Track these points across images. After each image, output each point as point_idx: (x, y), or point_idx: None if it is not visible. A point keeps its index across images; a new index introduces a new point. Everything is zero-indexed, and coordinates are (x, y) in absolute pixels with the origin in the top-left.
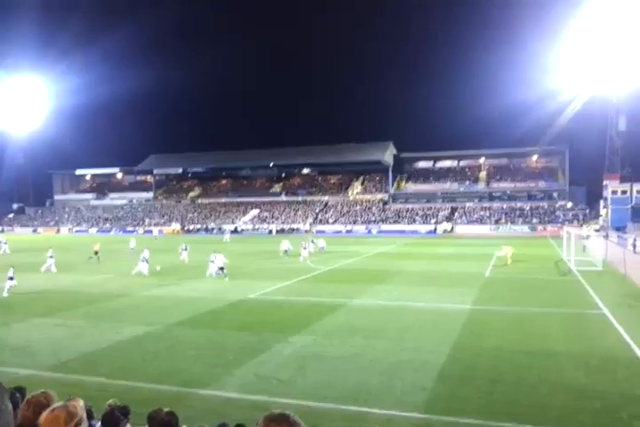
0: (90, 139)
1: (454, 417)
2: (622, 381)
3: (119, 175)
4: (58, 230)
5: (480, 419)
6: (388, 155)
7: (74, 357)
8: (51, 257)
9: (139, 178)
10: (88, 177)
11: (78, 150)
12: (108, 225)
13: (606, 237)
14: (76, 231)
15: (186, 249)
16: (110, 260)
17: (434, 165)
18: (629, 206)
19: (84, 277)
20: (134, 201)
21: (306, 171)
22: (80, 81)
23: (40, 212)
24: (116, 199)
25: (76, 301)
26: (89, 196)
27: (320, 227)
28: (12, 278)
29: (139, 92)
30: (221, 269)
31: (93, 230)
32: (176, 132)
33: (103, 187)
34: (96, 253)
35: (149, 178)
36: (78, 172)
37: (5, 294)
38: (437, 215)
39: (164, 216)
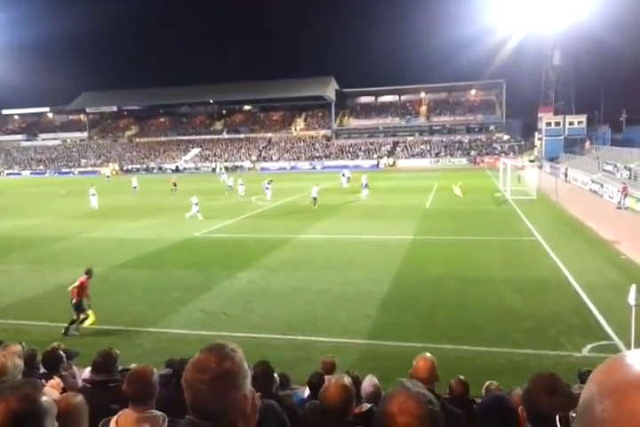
0: (17, 77)
1: (397, 342)
2: (552, 302)
3: (50, 115)
4: None
5: (422, 342)
6: (330, 90)
7: (14, 302)
8: (93, 195)
9: (71, 117)
10: (16, 117)
11: (4, 90)
12: (42, 167)
13: (540, 167)
14: (8, 174)
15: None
16: (46, 202)
17: (376, 100)
18: (562, 138)
19: (20, 222)
20: (68, 141)
21: (247, 107)
22: (5, 18)
23: None
24: (48, 140)
25: (11, 246)
26: (18, 137)
27: (264, 164)
28: None
29: (68, 27)
30: (315, 199)
31: (27, 173)
32: (109, 69)
33: (33, 127)
34: (175, 184)
35: (83, 117)
36: (5, 111)
37: None
38: (380, 150)
39: (100, 157)
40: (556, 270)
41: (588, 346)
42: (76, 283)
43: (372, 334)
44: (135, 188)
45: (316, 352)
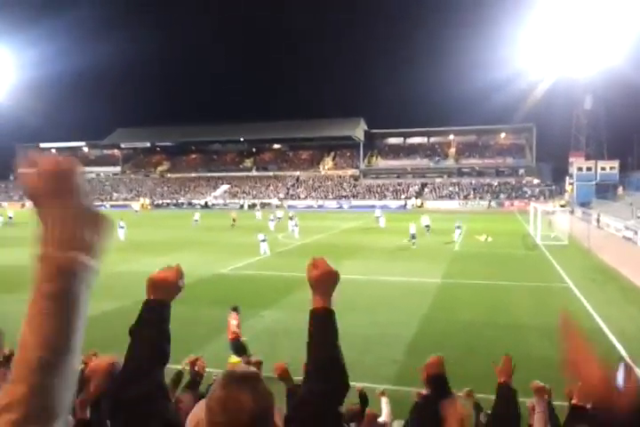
0: (55, 112)
1: (423, 388)
2: None
3: (85, 149)
4: (23, 205)
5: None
6: (359, 130)
7: None
8: (121, 227)
9: (105, 152)
10: (53, 151)
11: (43, 124)
12: None
13: (572, 212)
14: None
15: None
16: None
17: (404, 141)
18: (594, 183)
19: None
20: (101, 175)
21: (277, 146)
22: (45, 53)
23: (3, 186)
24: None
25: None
26: None
27: (291, 202)
28: None
29: (105, 64)
30: (413, 236)
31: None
32: (143, 106)
33: None
34: (234, 220)
35: (116, 152)
36: (43, 145)
37: None
38: (408, 191)
39: (132, 191)
40: (589, 318)
41: None
42: (235, 322)
43: (398, 380)
44: (197, 221)
45: None
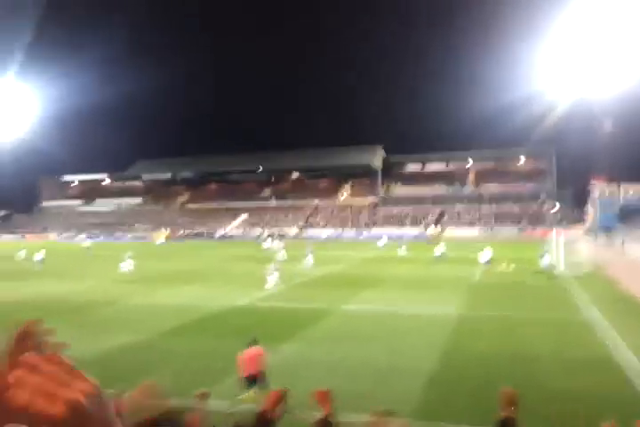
0: (77, 145)
1: (445, 422)
2: (606, 384)
3: (107, 181)
4: (46, 237)
5: (470, 424)
6: (377, 158)
7: None
8: (129, 258)
9: (127, 183)
10: (76, 183)
11: (65, 156)
12: (97, 231)
13: (594, 239)
14: (65, 237)
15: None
16: (99, 267)
17: (423, 167)
18: (617, 208)
19: (69, 285)
20: (123, 206)
21: (295, 175)
22: (67, 87)
23: (27, 218)
24: (104, 205)
25: (59, 309)
26: (77, 202)
27: (310, 231)
28: None
29: (125, 97)
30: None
31: (82, 237)
32: (164, 137)
33: (91, 193)
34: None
35: (138, 183)
36: (66, 178)
37: None
38: (427, 218)
39: (153, 222)
40: (611, 351)
41: None
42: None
43: (417, 414)
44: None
45: None
